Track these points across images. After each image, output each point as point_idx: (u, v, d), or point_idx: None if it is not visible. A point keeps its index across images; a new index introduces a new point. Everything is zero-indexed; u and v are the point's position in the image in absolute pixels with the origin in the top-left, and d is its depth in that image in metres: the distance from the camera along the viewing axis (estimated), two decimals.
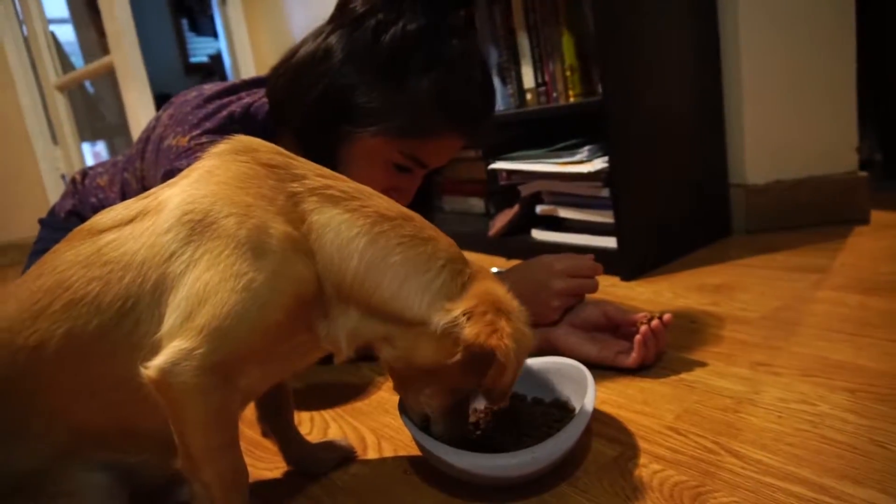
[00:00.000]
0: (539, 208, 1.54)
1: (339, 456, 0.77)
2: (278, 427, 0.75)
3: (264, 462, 0.79)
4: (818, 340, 0.92)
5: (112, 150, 4.75)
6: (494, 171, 1.70)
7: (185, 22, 5.78)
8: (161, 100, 1.44)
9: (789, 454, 0.65)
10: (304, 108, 0.88)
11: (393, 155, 0.88)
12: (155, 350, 0.52)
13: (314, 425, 0.89)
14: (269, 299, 0.53)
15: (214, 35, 5.44)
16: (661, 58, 1.41)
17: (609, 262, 1.36)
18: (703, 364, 0.90)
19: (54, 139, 3.09)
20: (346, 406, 0.93)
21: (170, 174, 0.83)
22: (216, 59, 5.36)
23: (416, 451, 0.75)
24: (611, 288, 1.32)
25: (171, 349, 0.51)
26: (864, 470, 0.61)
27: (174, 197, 0.57)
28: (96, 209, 1.07)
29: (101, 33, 2.48)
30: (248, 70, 3.38)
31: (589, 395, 0.70)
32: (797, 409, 0.74)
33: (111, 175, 1.13)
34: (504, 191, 1.80)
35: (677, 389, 0.83)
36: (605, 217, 1.38)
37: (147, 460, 0.60)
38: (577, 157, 1.38)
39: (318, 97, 0.86)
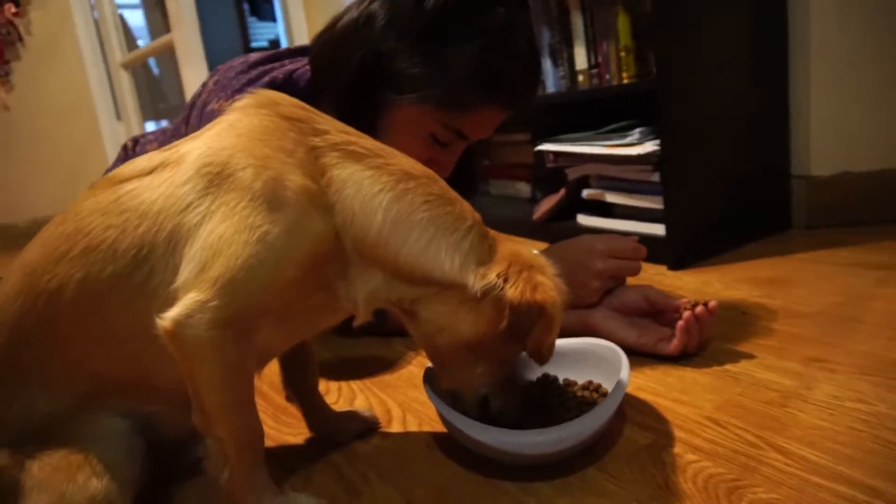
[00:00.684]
0: (586, 192, 1.49)
1: (363, 426, 0.76)
2: (302, 393, 0.74)
3: (289, 427, 0.79)
4: (879, 339, 0.85)
5: None
6: (541, 155, 1.65)
7: (246, 6, 5.90)
8: None
9: (839, 453, 0.60)
10: (345, 74, 0.86)
11: (432, 126, 0.86)
12: (170, 301, 0.52)
13: (341, 395, 0.88)
14: (284, 253, 0.52)
15: (274, 20, 5.54)
16: (722, 40, 1.33)
17: (656, 250, 1.31)
18: (750, 356, 0.84)
19: (119, 116, 3.22)
20: (374, 378, 0.92)
21: None
22: (275, 43, 5.45)
23: (440, 427, 0.74)
24: (657, 276, 1.26)
25: (186, 301, 0.51)
26: None
27: (194, 150, 0.57)
28: None
29: (167, 16, 2.55)
30: None
31: (623, 376, 0.66)
32: (852, 408, 0.68)
33: (160, 142, 1.15)
34: (551, 175, 1.75)
35: (720, 380, 0.78)
36: (654, 203, 1.32)
37: (165, 413, 0.60)
38: (628, 140, 1.32)
39: (359, 63, 0.84)
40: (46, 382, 0.58)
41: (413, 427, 0.77)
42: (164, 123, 5.00)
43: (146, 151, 1.16)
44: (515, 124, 1.94)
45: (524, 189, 2.08)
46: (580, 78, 1.69)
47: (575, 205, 1.58)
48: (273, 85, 0.94)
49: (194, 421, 0.55)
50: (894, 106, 1.43)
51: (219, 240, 0.52)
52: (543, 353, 0.59)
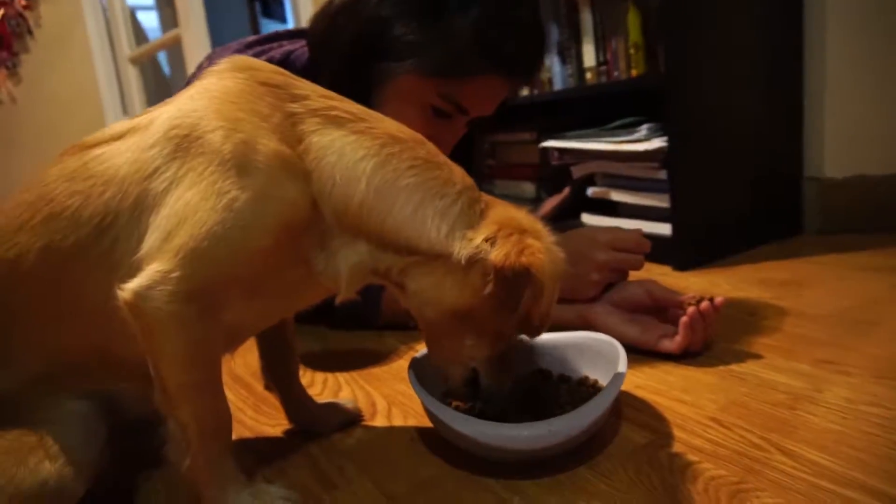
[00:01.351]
0: (591, 190, 1.45)
1: (344, 418, 0.72)
2: (281, 381, 0.70)
3: (268, 418, 0.75)
4: (895, 343, 0.80)
5: None
6: (547, 153, 1.62)
7: (258, 6, 5.92)
8: None
9: (852, 458, 0.56)
10: (341, 47, 0.84)
11: (430, 96, 0.82)
12: (133, 272, 0.48)
13: (326, 387, 0.84)
14: (253, 221, 0.49)
15: (285, 20, 5.55)
16: (734, 36, 1.29)
17: (662, 250, 1.27)
18: (757, 356, 0.80)
19: (125, 110, 3.21)
20: (362, 371, 0.88)
21: None
22: None
23: (426, 421, 0.70)
24: (661, 277, 1.22)
25: (148, 271, 0.47)
26: None
27: (164, 113, 0.54)
28: None
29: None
30: None
31: (619, 370, 0.62)
32: (866, 412, 0.64)
33: None
34: (557, 174, 1.71)
35: (725, 380, 0.74)
36: (661, 201, 1.28)
37: (129, 391, 0.56)
38: (635, 136, 1.28)
39: (354, 33, 0.82)
40: (2, 358, 0.54)
41: (398, 421, 0.72)
42: None
43: None
44: (520, 122, 1.91)
45: (529, 189, 2.04)
46: (588, 75, 1.66)
47: (580, 203, 1.53)
48: (272, 62, 0.91)
49: (156, 401, 0.51)
50: None
51: (184, 207, 0.49)
52: (534, 324, 0.55)
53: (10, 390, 0.54)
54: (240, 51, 0.92)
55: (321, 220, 0.53)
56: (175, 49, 2.79)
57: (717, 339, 0.86)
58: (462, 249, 0.52)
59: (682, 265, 1.24)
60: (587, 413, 0.56)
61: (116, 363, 0.55)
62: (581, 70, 1.68)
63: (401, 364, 0.90)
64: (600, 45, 1.60)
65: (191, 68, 2.42)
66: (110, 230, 0.51)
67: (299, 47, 0.95)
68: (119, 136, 0.55)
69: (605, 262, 0.84)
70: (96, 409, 0.56)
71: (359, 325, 1.03)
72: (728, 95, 1.27)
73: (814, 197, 1.44)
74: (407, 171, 0.53)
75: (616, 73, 1.56)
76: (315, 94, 0.56)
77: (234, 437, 0.72)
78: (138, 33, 3.39)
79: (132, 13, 3.86)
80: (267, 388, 0.74)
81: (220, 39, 2.50)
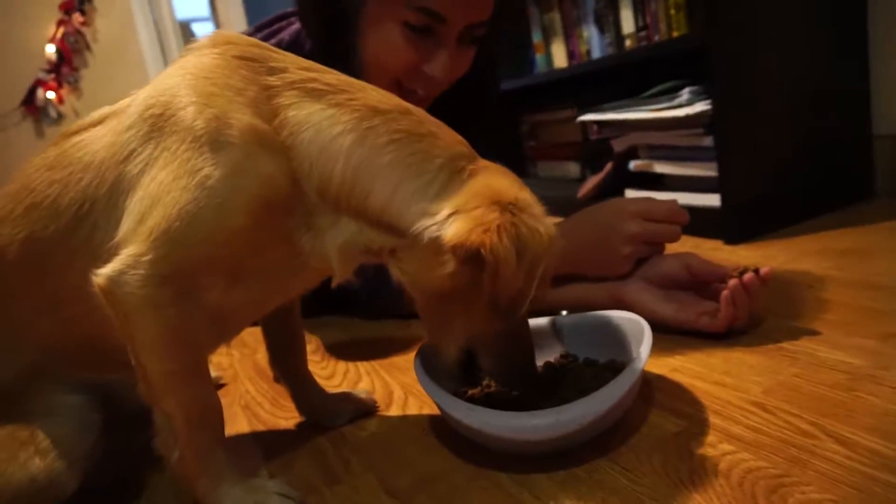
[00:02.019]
0: (633, 164, 1.36)
1: (356, 408, 0.69)
2: (288, 371, 0.68)
3: (284, 412, 0.73)
4: None
5: None
6: (588, 129, 1.54)
7: None
8: None
9: None
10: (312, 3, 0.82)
11: (402, 13, 0.77)
12: (110, 258, 0.46)
13: (346, 378, 0.82)
14: (227, 198, 0.46)
15: None
16: None
17: (712, 223, 1.17)
18: (813, 332, 0.71)
19: None
20: (383, 360, 0.85)
21: None
22: None
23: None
24: (711, 252, 1.12)
25: (121, 256, 0.46)
26: None
27: (141, 93, 0.52)
28: None
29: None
30: None
31: (642, 351, 0.56)
32: None
33: None
34: (600, 152, 1.63)
35: (773, 360, 0.66)
36: (708, 170, 1.18)
37: (123, 382, 0.55)
38: (676, 102, 1.19)
39: None
40: None
41: (413, 410, 0.69)
42: None
43: None
44: (560, 98, 1.83)
45: (573, 169, 1.96)
46: (627, 42, 1.56)
47: (623, 179, 1.45)
48: (279, 46, 0.89)
49: (139, 392, 0.49)
50: None
51: (158, 187, 0.47)
52: (499, 309, 0.49)
53: (7, 380, 0.54)
54: (250, 34, 0.91)
55: (304, 198, 0.50)
56: None
57: (769, 315, 0.77)
58: (422, 225, 0.47)
59: (733, 238, 1.14)
60: (600, 400, 0.50)
61: (108, 352, 0.53)
62: (620, 38, 1.58)
63: None
64: (639, 9, 1.51)
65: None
66: (89, 217, 0.50)
67: None
68: (99, 122, 0.54)
69: (636, 233, 0.77)
70: (91, 400, 0.56)
71: (385, 313, 1.00)
72: (779, 48, 1.15)
73: (885, 157, 1.30)
74: (386, 147, 0.49)
75: (656, 38, 1.46)
76: (294, 67, 0.52)
77: (247, 430, 0.71)
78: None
79: (187, 25, 3.99)
80: (276, 380, 0.71)
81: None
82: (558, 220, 0.86)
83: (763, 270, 0.71)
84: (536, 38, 1.93)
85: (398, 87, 0.84)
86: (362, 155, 0.49)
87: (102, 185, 0.50)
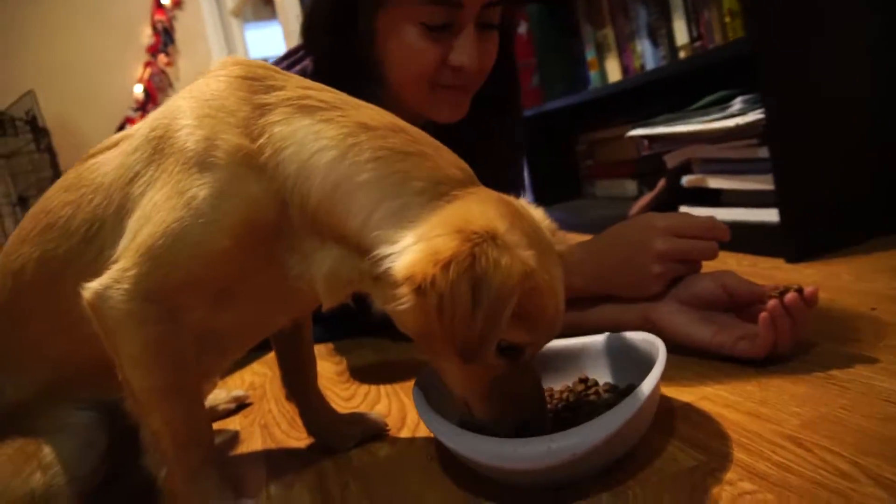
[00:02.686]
0: (685, 179, 1.29)
1: (365, 431, 0.67)
2: (298, 391, 0.68)
3: (299, 431, 0.72)
4: None
5: None
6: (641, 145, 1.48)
7: None
8: None
9: None
10: (325, 16, 0.83)
11: (417, 12, 0.76)
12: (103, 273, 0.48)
13: (366, 399, 0.80)
14: (212, 219, 0.46)
15: None
16: None
17: (771, 240, 1.09)
18: (870, 360, 0.63)
19: None
20: (405, 383, 0.83)
21: None
22: None
23: None
24: (771, 271, 1.04)
25: (109, 271, 0.47)
26: None
27: (150, 116, 0.53)
28: None
29: None
30: None
31: (651, 375, 0.51)
32: None
33: None
34: (656, 169, 1.56)
35: (819, 389, 0.59)
36: (764, 183, 1.09)
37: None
38: (728, 112, 1.12)
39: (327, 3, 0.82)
40: (11, 368, 0.56)
41: (423, 434, 0.66)
42: None
43: None
44: (615, 115, 1.77)
45: (630, 187, 1.89)
46: (681, 54, 1.50)
47: (677, 196, 1.37)
48: (303, 74, 0.91)
49: (128, 408, 0.50)
50: None
51: (152, 207, 0.48)
52: (458, 351, 0.43)
53: (24, 398, 0.56)
54: (277, 63, 0.93)
55: (289, 220, 0.49)
56: None
57: (821, 340, 0.70)
58: (381, 254, 0.44)
59: (795, 256, 1.05)
60: (597, 428, 0.46)
61: (112, 371, 0.55)
62: (674, 50, 1.52)
63: None
64: (692, 19, 1.44)
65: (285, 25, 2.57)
66: (97, 238, 0.51)
67: None
68: (114, 145, 0.56)
69: (666, 251, 0.72)
70: (99, 419, 0.57)
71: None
72: (839, 52, 1.06)
73: None
74: (367, 165, 0.47)
75: (711, 47, 1.39)
76: (293, 85, 0.52)
77: (260, 448, 0.70)
78: None
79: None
80: (287, 398, 0.71)
81: None
82: (587, 237, 0.82)
83: (808, 290, 0.64)
84: (590, 55, 1.89)
85: (432, 89, 0.83)
86: (342, 172, 0.47)
87: (110, 207, 0.51)
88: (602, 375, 0.65)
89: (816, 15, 1.05)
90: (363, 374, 0.91)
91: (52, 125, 3.04)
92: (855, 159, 1.08)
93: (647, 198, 1.48)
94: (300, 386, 0.67)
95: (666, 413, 0.59)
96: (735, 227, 0.76)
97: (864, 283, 0.88)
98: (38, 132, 2.95)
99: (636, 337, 0.64)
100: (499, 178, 0.53)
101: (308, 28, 0.87)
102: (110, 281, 0.46)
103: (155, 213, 0.47)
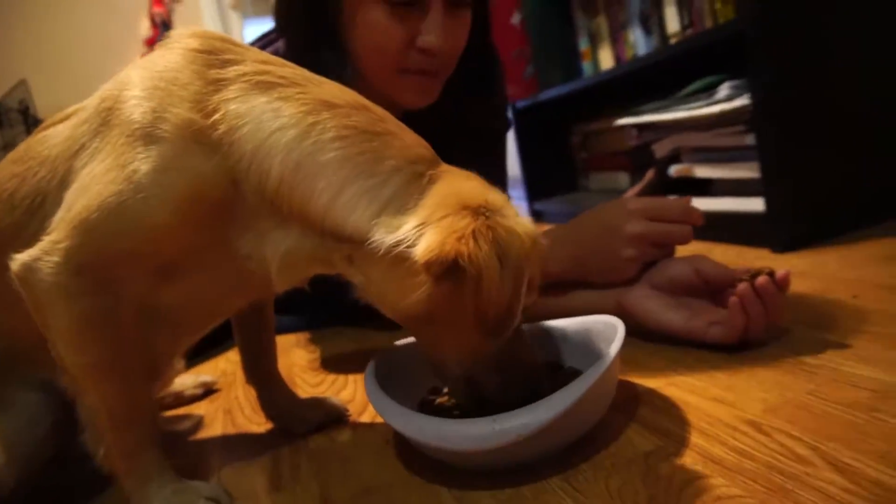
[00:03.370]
0: (672, 169, 1.27)
1: (326, 415, 0.65)
2: (257, 374, 0.66)
3: (261, 417, 0.70)
4: None
5: None
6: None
7: None
8: None
9: None
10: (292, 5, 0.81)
11: None
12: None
13: (334, 385, 0.79)
14: (152, 193, 0.44)
15: None
16: None
17: (757, 230, 1.06)
18: (842, 346, 0.61)
19: None
20: None
21: None
22: None
23: None
24: (757, 261, 1.01)
25: (40, 243, 0.45)
26: None
27: (102, 88, 0.52)
28: None
29: None
30: None
31: (607, 355, 0.49)
32: None
33: None
34: (647, 161, 1.53)
35: (788, 375, 0.57)
36: (751, 171, 1.07)
37: None
38: (714, 98, 1.10)
39: None
40: None
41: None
42: None
43: None
44: (609, 107, 1.75)
45: (623, 179, 1.86)
46: (672, 42, 1.47)
47: (666, 186, 1.35)
48: (276, 54, 0.89)
49: (65, 383, 0.48)
50: None
51: (90, 179, 0.46)
52: (489, 324, 0.44)
53: None
54: (252, 45, 0.91)
55: (244, 199, 0.47)
56: None
57: (797, 326, 0.68)
58: (382, 239, 0.43)
59: (781, 246, 1.03)
60: (545, 409, 0.44)
61: None
62: (665, 38, 1.50)
63: None
64: (684, 5, 1.42)
65: None
66: (40, 211, 0.50)
67: None
68: (67, 117, 0.55)
69: (639, 234, 0.70)
70: (46, 400, 0.55)
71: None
72: (836, 31, 1.03)
73: None
74: (331, 144, 0.45)
75: (701, 31, 1.36)
76: (251, 59, 0.50)
77: (219, 433, 0.69)
78: None
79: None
80: (247, 381, 0.69)
81: None
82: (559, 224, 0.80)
83: (780, 273, 0.62)
84: (583, 45, 1.86)
85: (401, 73, 0.79)
86: (304, 150, 0.45)
87: (54, 179, 0.50)
88: (567, 360, 0.63)
89: None
90: (335, 362, 0.89)
91: (45, 116, 3.02)
92: (843, 147, 1.06)
93: (635, 189, 1.45)
94: (260, 370, 0.66)
95: (629, 398, 0.58)
96: (723, 216, 0.74)
97: (848, 272, 0.86)
98: (32, 123, 2.93)
99: (595, 319, 0.62)
100: (472, 167, 0.50)
101: (278, 8, 0.85)
102: (40, 252, 0.44)
103: (93, 184, 0.46)
